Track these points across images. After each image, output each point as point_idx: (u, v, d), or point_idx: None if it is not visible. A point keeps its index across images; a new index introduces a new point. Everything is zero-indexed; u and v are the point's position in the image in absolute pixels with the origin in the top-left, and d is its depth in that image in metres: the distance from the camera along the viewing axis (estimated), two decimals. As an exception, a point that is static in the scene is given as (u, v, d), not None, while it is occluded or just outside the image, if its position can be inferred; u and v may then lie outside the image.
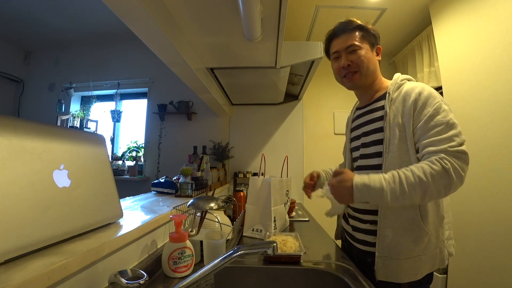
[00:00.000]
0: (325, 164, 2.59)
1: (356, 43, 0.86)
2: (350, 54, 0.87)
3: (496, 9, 1.38)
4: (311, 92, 2.60)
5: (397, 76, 0.89)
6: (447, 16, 1.75)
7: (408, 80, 0.87)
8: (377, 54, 0.90)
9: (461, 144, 0.68)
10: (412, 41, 2.30)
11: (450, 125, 0.70)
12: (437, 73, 2.00)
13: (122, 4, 0.78)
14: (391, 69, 2.74)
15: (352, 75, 0.88)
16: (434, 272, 0.80)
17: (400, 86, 0.84)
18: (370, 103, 0.91)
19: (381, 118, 0.84)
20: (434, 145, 0.70)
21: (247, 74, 1.69)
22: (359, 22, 0.89)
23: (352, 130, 0.99)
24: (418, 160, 0.74)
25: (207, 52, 1.37)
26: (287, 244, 0.91)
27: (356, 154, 0.94)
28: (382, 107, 0.84)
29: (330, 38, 0.93)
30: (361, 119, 0.93)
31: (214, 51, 1.37)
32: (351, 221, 0.93)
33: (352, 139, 0.98)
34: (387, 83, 0.90)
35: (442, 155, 0.67)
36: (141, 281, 0.51)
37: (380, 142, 0.82)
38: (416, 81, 0.87)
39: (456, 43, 1.68)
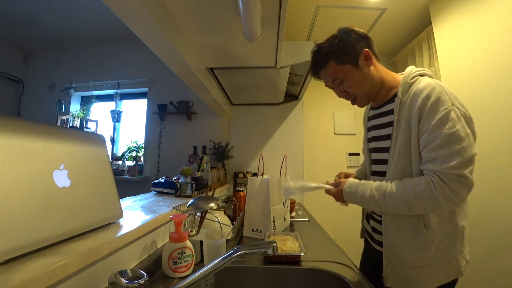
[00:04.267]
0: (325, 164, 2.63)
1: (337, 75, 0.81)
2: (339, 86, 0.84)
3: (496, 9, 1.38)
4: (311, 92, 2.60)
5: (408, 71, 0.79)
6: (447, 16, 1.75)
7: (421, 75, 0.77)
8: (367, 60, 0.80)
9: (463, 164, 0.63)
10: (412, 41, 2.30)
11: (454, 139, 0.64)
12: (437, 73, 2.00)
13: (122, 4, 0.78)
14: (391, 69, 2.70)
15: (355, 101, 0.86)
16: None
17: (410, 85, 0.75)
18: (382, 105, 0.85)
19: (391, 124, 0.79)
20: (433, 161, 0.67)
21: (247, 74, 1.69)
22: (327, 45, 0.81)
23: (369, 130, 0.94)
24: (421, 171, 0.71)
25: (207, 52, 1.37)
26: (287, 244, 0.91)
27: (372, 156, 0.92)
28: (393, 111, 0.78)
29: (314, 75, 0.90)
30: (375, 121, 0.89)
31: (214, 51, 1.37)
32: (372, 222, 0.90)
33: (369, 140, 0.94)
34: (400, 79, 0.81)
35: (436, 177, 0.65)
36: (141, 281, 0.51)
37: (389, 149, 0.79)
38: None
39: (456, 43, 1.68)
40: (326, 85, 0.89)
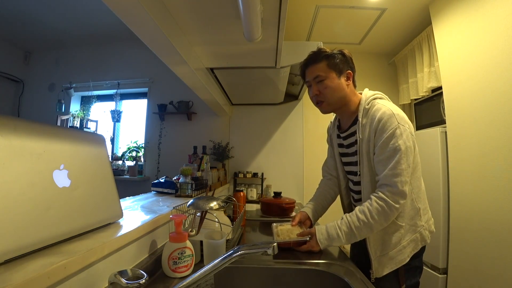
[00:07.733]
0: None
1: (322, 73, 0.94)
2: (318, 84, 0.96)
3: (496, 9, 1.38)
4: (311, 92, 2.60)
5: (364, 98, 0.95)
6: (447, 16, 1.75)
7: (375, 99, 0.95)
8: (347, 79, 0.96)
9: (396, 175, 0.81)
10: (412, 41, 2.30)
11: (396, 152, 0.83)
12: (437, 73, 2.00)
13: (122, 4, 0.78)
14: (391, 69, 2.74)
15: (321, 104, 0.98)
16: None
17: (367, 110, 0.93)
18: (348, 128, 1.00)
19: (356, 142, 0.95)
20: (378, 173, 0.86)
21: (247, 74, 1.69)
22: (328, 51, 0.96)
23: (340, 146, 1.08)
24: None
25: (207, 52, 1.37)
26: (294, 232, 0.98)
27: (345, 169, 1.08)
28: (356, 132, 0.95)
29: (302, 68, 1.02)
30: (345, 141, 1.03)
31: (214, 51, 1.37)
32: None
33: (341, 155, 1.08)
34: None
35: (382, 201, 0.82)
36: (141, 281, 0.51)
37: (357, 163, 0.95)
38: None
39: (456, 43, 1.68)
40: (306, 80, 1.01)
